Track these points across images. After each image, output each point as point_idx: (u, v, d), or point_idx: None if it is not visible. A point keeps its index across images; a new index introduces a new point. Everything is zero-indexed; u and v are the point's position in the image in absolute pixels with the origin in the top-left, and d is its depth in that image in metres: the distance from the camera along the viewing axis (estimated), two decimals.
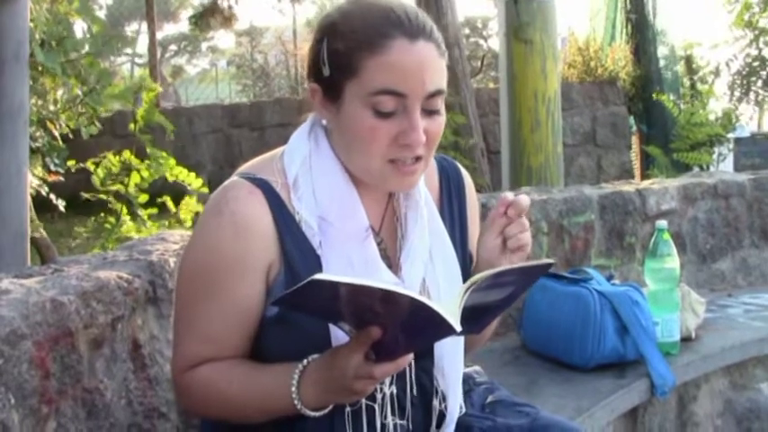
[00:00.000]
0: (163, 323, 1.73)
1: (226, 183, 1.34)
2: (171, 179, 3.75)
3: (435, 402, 1.38)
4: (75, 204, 5.07)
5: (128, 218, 3.80)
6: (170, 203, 3.85)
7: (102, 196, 3.73)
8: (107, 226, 3.75)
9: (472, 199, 1.53)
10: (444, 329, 1.12)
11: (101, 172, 3.78)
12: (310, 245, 1.30)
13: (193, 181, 3.77)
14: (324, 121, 1.36)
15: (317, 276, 1.08)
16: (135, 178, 3.70)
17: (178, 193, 3.99)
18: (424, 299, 1.11)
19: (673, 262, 2.38)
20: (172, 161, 3.84)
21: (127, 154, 3.79)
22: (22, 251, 2.83)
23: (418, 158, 1.29)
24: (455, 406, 1.39)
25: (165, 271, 1.72)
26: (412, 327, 1.14)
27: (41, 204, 4.41)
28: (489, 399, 1.50)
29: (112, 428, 1.55)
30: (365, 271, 1.29)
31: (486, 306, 1.25)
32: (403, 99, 1.25)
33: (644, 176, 7.91)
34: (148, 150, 3.84)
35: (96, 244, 3.87)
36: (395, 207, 1.40)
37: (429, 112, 1.28)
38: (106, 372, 1.55)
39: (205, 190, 3.79)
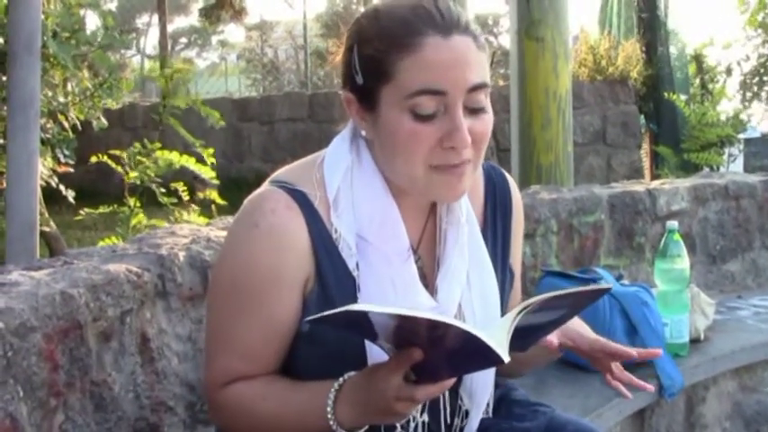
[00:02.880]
0: (171, 317, 1.73)
1: (262, 190, 1.29)
2: (191, 166, 3.71)
3: (457, 420, 1.34)
4: (85, 195, 5.08)
5: (140, 209, 3.80)
6: (184, 193, 3.86)
7: (133, 179, 3.69)
8: (121, 216, 3.75)
9: (518, 213, 1.46)
10: (492, 359, 1.08)
11: (127, 159, 3.77)
12: (346, 265, 1.26)
13: (206, 171, 3.74)
14: (363, 132, 1.29)
15: (355, 307, 1.05)
16: (162, 157, 3.67)
17: (186, 184, 4.00)
18: (471, 328, 1.06)
19: (682, 263, 2.37)
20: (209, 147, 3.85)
21: (156, 144, 3.77)
22: (32, 242, 2.83)
23: (466, 162, 1.22)
24: (476, 423, 1.37)
25: (174, 265, 1.72)
26: (459, 354, 1.10)
27: (51, 195, 4.43)
28: (505, 399, 1.48)
29: (120, 422, 1.55)
30: (403, 293, 1.25)
31: (535, 326, 1.21)
32: (443, 98, 1.19)
33: (654, 176, 7.88)
34: (180, 132, 3.82)
35: (105, 236, 3.87)
36: (436, 223, 1.34)
37: (473, 111, 1.21)
38: (114, 365, 1.56)
39: (215, 181, 3.79)
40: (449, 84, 1.19)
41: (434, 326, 1.07)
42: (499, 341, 1.09)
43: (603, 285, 1.24)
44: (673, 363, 2.30)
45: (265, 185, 1.31)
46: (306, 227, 1.25)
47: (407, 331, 1.09)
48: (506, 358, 1.07)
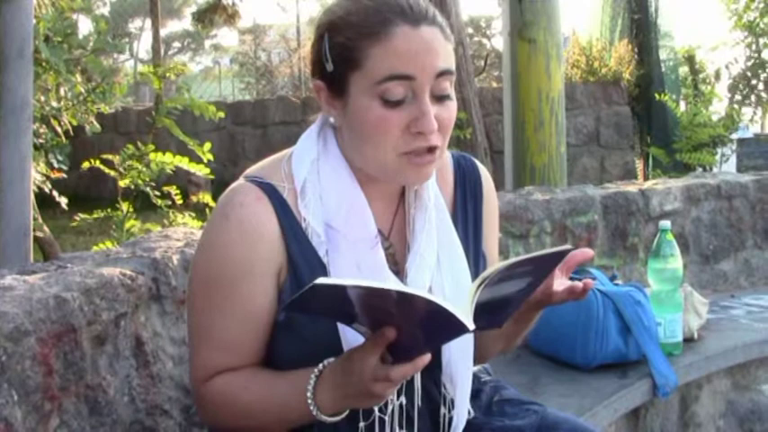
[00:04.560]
0: (166, 320, 1.73)
1: (233, 185, 1.33)
2: (188, 167, 3.71)
3: (444, 410, 1.35)
4: (79, 200, 5.07)
5: (134, 213, 3.80)
6: (177, 197, 3.86)
7: (124, 184, 3.70)
8: (115, 220, 3.75)
9: (490, 199, 1.49)
10: (458, 328, 1.10)
11: (118, 162, 3.77)
12: (316, 253, 1.29)
13: (201, 169, 3.74)
14: (332, 120, 1.33)
15: (319, 281, 1.06)
16: (155, 159, 3.68)
17: (180, 188, 4.00)
18: (435, 298, 1.09)
19: (676, 262, 2.38)
20: (207, 145, 3.85)
21: (149, 147, 3.77)
22: (25, 247, 2.83)
23: (433, 149, 1.26)
24: (463, 412, 1.37)
25: (168, 268, 1.72)
26: (427, 326, 1.12)
27: (44, 201, 4.42)
28: (497, 398, 1.49)
29: (115, 425, 1.55)
30: (372, 279, 1.25)
31: (504, 298, 1.22)
32: (411, 83, 1.23)
33: (646, 177, 7.90)
34: (175, 133, 3.83)
35: (99, 240, 3.86)
36: (405, 208, 1.37)
37: (439, 98, 1.25)
38: (109, 369, 1.56)
39: (211, 176, 3.82)
40: (417, 69, 1.22)
41: (401, 298, 1.09)
42: (463, 310, 1.11)
43: (562, 247, 1.25)
44: (666, 362, 2.31)
45: (237, 181, 1.34)
46: (275, 217, 1.28)
47: (377, 309, 1.11)
48: (471, 326, 1.09)
